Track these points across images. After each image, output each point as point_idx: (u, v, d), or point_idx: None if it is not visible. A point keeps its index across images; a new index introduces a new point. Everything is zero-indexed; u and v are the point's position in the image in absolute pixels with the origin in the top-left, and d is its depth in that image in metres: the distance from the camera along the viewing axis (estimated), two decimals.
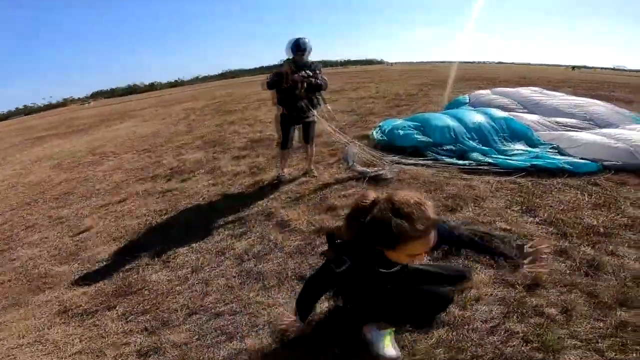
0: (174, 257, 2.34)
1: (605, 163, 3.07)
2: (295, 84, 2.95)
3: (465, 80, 14.25)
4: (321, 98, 3.23)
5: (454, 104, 5.66)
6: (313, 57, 3.12)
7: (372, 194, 1.11)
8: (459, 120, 3.89)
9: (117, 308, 1.91)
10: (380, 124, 4.76)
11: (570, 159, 3.21)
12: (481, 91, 5.81)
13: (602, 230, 2.14)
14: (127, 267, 2.32)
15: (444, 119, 3.91)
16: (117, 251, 2.59)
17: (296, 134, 3.33)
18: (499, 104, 4.92)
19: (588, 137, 3.51)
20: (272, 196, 3.12)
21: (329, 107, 3.37)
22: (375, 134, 4.44)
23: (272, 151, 4.38)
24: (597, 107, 4.50)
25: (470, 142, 3.63)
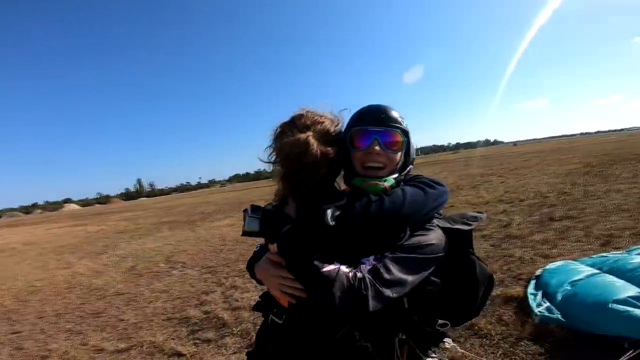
0: None
1: None
2: None
3: (626, 160, 10.06)
4: None
5: None
6: None
7: None
8: None
9: None
10: (539, 272, 2.58)
11: None
12: None
13: None
14: None
15: None
16: None
17: None
18: None
19: None
20: None
21: None
22: (535, 305, 2.21)
23: None
24: None
25: None
